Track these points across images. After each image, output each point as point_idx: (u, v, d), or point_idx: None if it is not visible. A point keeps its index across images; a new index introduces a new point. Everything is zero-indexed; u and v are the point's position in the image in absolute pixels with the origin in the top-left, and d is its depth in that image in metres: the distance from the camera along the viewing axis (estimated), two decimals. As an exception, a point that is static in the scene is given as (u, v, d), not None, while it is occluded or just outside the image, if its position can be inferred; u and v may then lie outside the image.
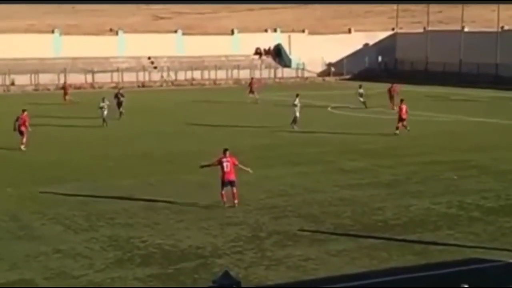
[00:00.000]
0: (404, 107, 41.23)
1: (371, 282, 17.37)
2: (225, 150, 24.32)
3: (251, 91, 61.06)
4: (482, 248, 19.73)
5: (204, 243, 20.16)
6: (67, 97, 60.96)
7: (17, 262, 18.72)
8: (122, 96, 49.60)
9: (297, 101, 43.53)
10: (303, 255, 19.17)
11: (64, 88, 63.48)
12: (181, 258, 18.99)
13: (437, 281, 17.35)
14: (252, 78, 67.39)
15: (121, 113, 48.60)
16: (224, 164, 23.98)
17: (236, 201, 24.05)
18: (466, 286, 10.70)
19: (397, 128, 40.75)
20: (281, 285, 17.16)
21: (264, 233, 21.32)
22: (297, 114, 43.20)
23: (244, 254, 19.41)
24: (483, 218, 23.17)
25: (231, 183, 24.04)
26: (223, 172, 23.99)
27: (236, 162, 24.31)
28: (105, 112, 45.26)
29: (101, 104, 45.56)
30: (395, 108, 49.98)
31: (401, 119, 40.90)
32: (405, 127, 40.67)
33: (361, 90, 55.19)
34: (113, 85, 77.68)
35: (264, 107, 57.22)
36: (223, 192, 24.06)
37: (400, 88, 56.70)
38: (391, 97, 54.59)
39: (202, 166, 25.37)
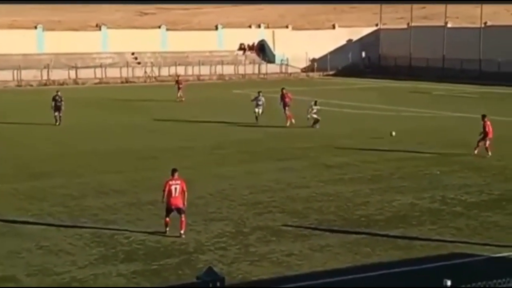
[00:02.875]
0: (489, 123, 33.38)
1: (354, 277, 17.42)
2: (173, 171, 20.58)
3: (179, 89, 58.80)
4: (464, 243, 19.85)
5: (188, 239, 20.14)
6: None
7: (0, 259, 18.64)
8: (61, 99, 44.14)
9: (315, 109, 42.91)
10: (286, 251, 19.21)
11: None
12: (165, 254, 18.97)
13: (420, 276, 17.44)
14: (177, 76, 65.85)
15: (60, 118, 43.68)
16: (173, 187, 20.25)
17: (182, 231, 20.23)
18: (448, 281, 10.72)
19: (487, 150, 32.96)
20: (265, 280, 17.18)
21: (248, 229, 21.33)
22: (316, 116, 42.61)
23: (227, 250, 19.42)
24: (465, 213, 23.30)
25: (178, 211, 20.32)
26: (170, 197, 20.27)
27: (185, 189, 20.46)
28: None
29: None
30: (288, 119, 43.47)
31: (488, 138, 33.14)
32: (487, 150, 33.00)
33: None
34: (97, 81, 77.59)
35: (247, 103, 57.14)
36: (168, 219, 20.51)
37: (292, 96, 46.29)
38: (285, 105, 44.44)
39: (163, 201, 20.74)
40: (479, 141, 33.16)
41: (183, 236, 20.21)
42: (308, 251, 19.28)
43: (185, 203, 20.53)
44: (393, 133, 37.63)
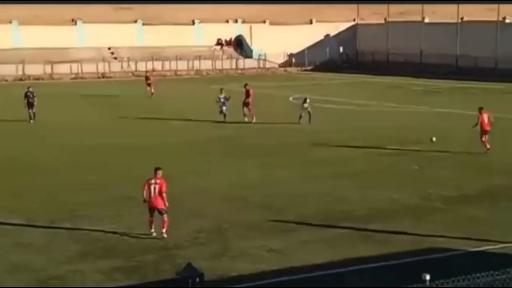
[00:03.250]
0: (485, 115, 33.06)
1: (333, 272, 17.41)
2: (156, 169, 20.14)
3: (148, 85, 58.89)
4: (443, 237, 19.89)
5: (167, 235, 20.00)
6: None
7: (-24, 256, 18.43)
8: (33, 95, 43.52)
9: (307, 104, 42.61)
10: (266, 246, 19.15)
11: None
12: (144, 250, 18.84)
13: (399, 271, 17.44)
14: (146, 71, 65.72)
15: (33, 114, 43.25)
16: (152, 187, 19.81)
17: (164, 230, 19.84)
18: (428, 275, 10.73)
19: (484, 144, 32.68)
20: (245, 276, 17.11)
21: (227, 225, 21.25)
22: (309, 110, 42.20)
23: (207, 245, 19.33)
24: (444, 208, 23.36)
25: (159, 211, 19.92)
26: (149, 197, 19.88)
27: (164, 189, 19.87)
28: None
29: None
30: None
31: (485, 131, 32.89)
32: (484, 144, 32.73)
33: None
34: (73, 76, 77.06)
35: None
36: (152, 218, 20.09)
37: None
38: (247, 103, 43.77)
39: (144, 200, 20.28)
40: (481, 137, 32.76)
41: (165, 235, 19.79)
42: (288, 246, 19.23)
43: (166, 203, 19.92)
44: (434, 139, 33.79)
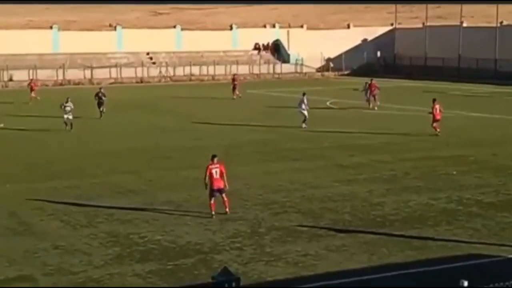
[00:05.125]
0: (437, 106, 39.24)
1: (370, 277, 17.35)
2: (213, 156, 22.78)
3: (234, 88, 60.59)
4: (481, 244, 19.71)
5: (203, 239, 20.14)
6: (33, 94, 57.60)
7: (16, 259, 18.69)
8: (104, 95, 47.59)
9: (305, 101, 42.49)
10: (302, 251, 19.15)
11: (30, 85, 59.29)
12: (180, 254, 18.97)
13: (436, 277, 17.34)
14: (234, 75, 66.42)
15: (102, 112, 47.05)
16: (213, 170, 22.41)
17: (227, 209, 22.58)
18: (465, 281, 10.66)
19: (435, 129, 38.82)
20: (280, 280, 17.14)
21: (263, 229, 21.29)
22: (306, 113, 42.16)
23: (243, 250, 19.39)
24: (482, 214, 23.15)
25: (220, 191, 22.51)
26: (212, 180, 22.37)
27: (224, 171, 22.56)
28: (69, 117, 41.20)
29: (65, 105, 41.53)
30: (371, 104, 51.77)
31: (435, 120, 38.98)
32: (435, 128, 38.87)
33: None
34: (112, 80, 77.79)
35: (262, 103, 57.21)
36: (212, 202, 22.46)
37: (378, 85, 54.19)
38: (371, 94, 52.55)
39: (206, 186, 22.61)
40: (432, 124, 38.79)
41: (228, 213, 22.37)
42: (324, 251, 19.21)
43: (226, 184, 22.51)
44: (454, 172, 29.79)
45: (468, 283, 10.65)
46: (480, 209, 23.73)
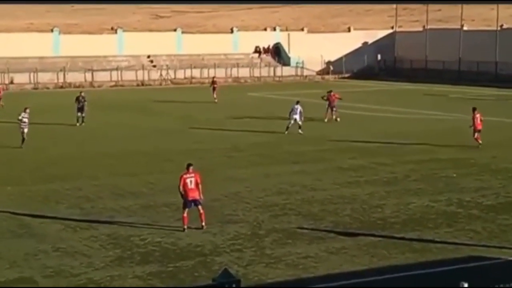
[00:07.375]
0: (478, 116, 36.23)
1: (370, 279, 17.38)
2: (188, 165, 21.48)
3: (214, 90, 59.85)
4: (481, 246, 19.75)
5: (204, 241, 20.17)
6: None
7: (17, 261, 18.73)
8: (84, 100, 44.74)
9: (298, 108, 41.74)
10: (302, 253, 19.18)
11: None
12: (180, 256, 18.99)
13: (436, 279, 17.36)
14: (213, 77, 65.62)
15: (82, 118, 44.24)
16: (188, 180, 21.05)
17: (203, 224, 21.21)
18: (465, 284, 10.68)
19: (476, 140, 35.95)
20: (280, 282, 17.16)
21: (263, 231, 21.32)
22: (300, 123, 40.94)
23: (243, 252, 19.42)
24: (482, 216, 23.18)
25: (195, 203, 21.13)
26: (186, 190, 21.01)
27: (199, 181, 21.23)
28: (25, 130, 36.51)
29: (23, 116, 36.87)
30: (328, 116, 46.44)
31: (476, 130, 36.05)
32: (476, 140, 36.01)
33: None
34: (113, 83, 77.81)
35: (262, 106, 57.25)
36: (185, 215, 21.16)
37: (338, 96, 48.12)
38: (330, 106, 46.96)
39: (182, 196, 21.39)
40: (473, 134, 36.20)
41: (205, 227, 21.09)
42: (324, 253, 19.24)
43: (201, 195, 21.22)
44: (454, 175, 29.87)
45: (468, 285, 10.68)
46: (480, 211, 23.75)
